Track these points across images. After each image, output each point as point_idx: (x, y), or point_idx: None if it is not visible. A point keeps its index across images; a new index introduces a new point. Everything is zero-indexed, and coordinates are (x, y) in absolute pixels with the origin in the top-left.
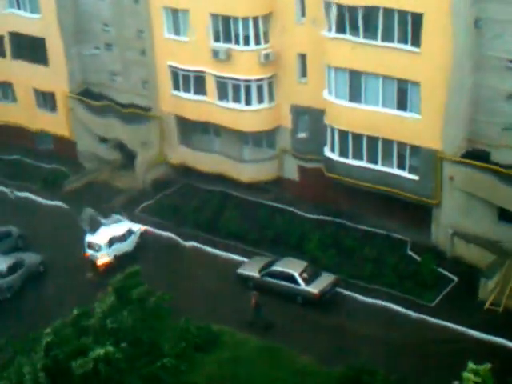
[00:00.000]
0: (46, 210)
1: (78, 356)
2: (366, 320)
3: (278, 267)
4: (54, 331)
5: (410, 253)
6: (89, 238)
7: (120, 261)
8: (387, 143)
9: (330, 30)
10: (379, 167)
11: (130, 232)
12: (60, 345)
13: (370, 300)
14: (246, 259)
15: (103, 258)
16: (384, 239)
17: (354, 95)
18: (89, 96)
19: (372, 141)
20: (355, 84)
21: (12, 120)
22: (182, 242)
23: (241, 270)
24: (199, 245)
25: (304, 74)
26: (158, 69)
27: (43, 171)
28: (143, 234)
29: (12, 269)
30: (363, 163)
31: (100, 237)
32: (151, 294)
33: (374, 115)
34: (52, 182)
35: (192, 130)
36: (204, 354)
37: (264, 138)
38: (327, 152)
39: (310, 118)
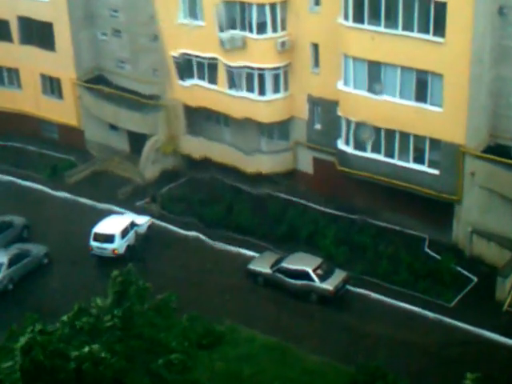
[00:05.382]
0: (52, 200)
1: (60, 356)
2: (379, 319)
3: (290, 263)
4: (38, 330)
5: (428, 250)
6: (97, 229)
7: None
8: (405, 136)
9: (346, 17)
10: (396, 161)
11: (132, 225)
12: (43, 344)
13: (384, 298)
14: (256, 254)
15: (115, 250)
16: (400, 236)
17: (372, 86)
18: (97, 83)
19: (389, 133)
20: (373, 75)
21: (17, 107)
22: (190, 235)
23: (251, 266)
24: (207, 238)
25: (317, 63)
26: (168, 56)
27: (49, 160)
28: (151, 227)
29: (14, 260)
30: (380, 157)
31: (112, 228)
32: (148, 290)
33: (392, 107)
34: (58, 172)
35: (202, 120)
36: (209, 352)
37: (276, 130)
38: (341, 145)
39: (323, 110)
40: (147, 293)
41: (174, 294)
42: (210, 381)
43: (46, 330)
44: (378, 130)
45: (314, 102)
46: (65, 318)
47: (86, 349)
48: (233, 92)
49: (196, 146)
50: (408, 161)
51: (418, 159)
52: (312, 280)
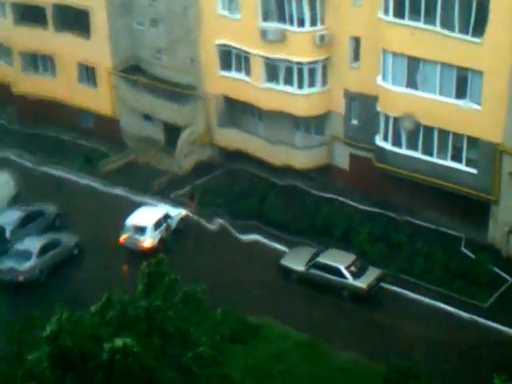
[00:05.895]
0: (85, 189)
1: (90, 346)
2: (413, 318)
3: (323, 259)
4: (65, 318)
5: (464, 250)
6: (131, 220)
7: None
8: (443, 134)
9: (386, 12)
10: (434, 159)
11: (165, 217)
12: (71, 331)
13: (418, 297)
14: (288, 249)
15: (148, 242)
16: (436, 235)
17: (411, 82)
18: (133, 73)
19: (427, 131)
20: (412, 70)
21: (52, 94)
22: (225, 228)
23: (283, 261)
24: (238, 232)
25: (356, 58)
26: (206, 47)
27: (83, 149)
28: (183, 219)
29: (45, 250)
30: (418, 154)
31: (145, 219)
32: (178, 282)
33: (430, 104)
34: (92, 161)
35: (238, 112)
36: (241, 347)
37: (313, 124)
38: (379, 141)
39: (361, 105)
40: (177, 285)
41: (201, 284)
42: (241, 377)
43: (73, 318)
44: (416, 126)
45: (352, 97)
46: (93, 308)
47: (120, 342)
48: (270, 85)
49: (231, 138)
50: (446, 159)
51: (456, 157)
52: (344, 277)
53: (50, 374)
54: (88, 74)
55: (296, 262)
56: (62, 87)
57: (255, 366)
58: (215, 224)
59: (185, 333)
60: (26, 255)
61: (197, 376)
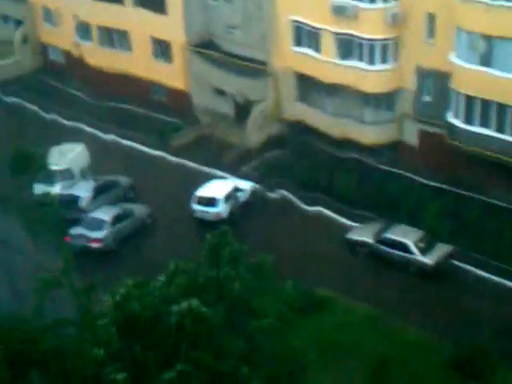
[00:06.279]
0: (158, 162)
1: (157, 309)
2: (482, 296)
3: (391, 234)
4: (132, 284)
5: None
6: (202, 192)
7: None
8: None
9: None
10: (507, 137)
11: (235, 190)
12: (139, 297)
13: (488, 275)
14: (356, 224)
15: (218, 214)
16: (506, 213)
17: (485, 60)
18: (206, 48)
19: (501, 108)
20: (487, 48)
21: (126, 69)
22: (292, 202)
23: (351, 235)
24: (308, 206)
25: (432, 34)
26: (277, 23)
27: (157, 123)
28: (253, 193)
29: (118, 219)
30: (490, 131)
31: (216, 191)
32: (245, 252)
33: (504, 82)
34: (165, 135)
35: (309, 88)
36: (306, 319)
37: (384, 100)
38: (450, 118)
39: (435, 81)
40: (242, 255)
41: (269, 255)
42: (307, 348)
43: (140, 285)
44: (489, 104)
45: (424, 74)
46: (161, 277)
47: (185, 304)
48: (341, 61)
49: (302, 114)
50: None
51: None
52: (412, 253)
53: (118, 342)
54: (162, 49)
55: (364, 236)
56: (138, 62)
57: (320, 339)
58: (280, 195)
59: (251, 303)
60: (99, 224)
61: (262, 346)
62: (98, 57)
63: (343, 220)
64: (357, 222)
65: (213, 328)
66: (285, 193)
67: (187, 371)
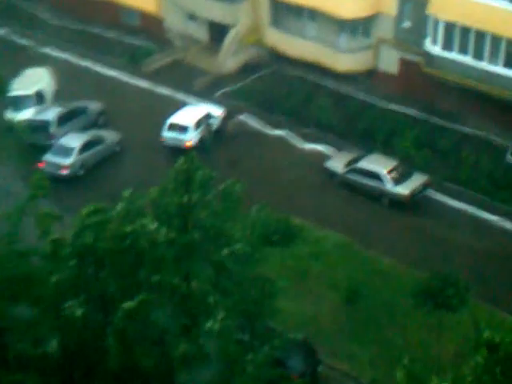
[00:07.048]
0: (128, 87)
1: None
2: (455, 226)
3: (364, 164)
4: (92, 210)
5: (510, 158)
6: (173, 119)
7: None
8: (496, 39)
9: None
10: (485, 64)
11: (207, 116)
12: (97, 225)
13: (463, 206)
14: (333, 152)
15: (188, 141)
16: (483, 143)
17: None
18: None
19: (480, 35)
20: None
21: None
22: (266, 129)
23: (328, 164)
24: (285, 133)
25: None
26: None
27: (128, 47)
28: (225, 119)
29: (87, 146)
30: (468, 59)
31: (187, 118)
32: (213, 179)
33: (484, 8)
34: (137, 59)
35: (285, 13)
36: (280, 248)
37: (361, 26)
38: (428, 45)
39: (415, 6)
40: (211, 182)
41: (240, 182)
42: (278, 276)
43: (100, 210)
44: (467, 30)
45: None
46: (123, 201)
47: (139, 223)
48: None
49: (278, 39)
50: (497, 65)
51: (509, 64)
52: (384, 183)
53: (78, 273)
54: None
55: (339, 164)
56: None
57: (292, 266)
58: (259, 124)
59: (220, 229)
60: (68, 151)
61: (233, 274)
62: None
63: (320, 147)
64: (336, 150)
65: (179, 252)
66: (254, 120)
67: (148, 299)
